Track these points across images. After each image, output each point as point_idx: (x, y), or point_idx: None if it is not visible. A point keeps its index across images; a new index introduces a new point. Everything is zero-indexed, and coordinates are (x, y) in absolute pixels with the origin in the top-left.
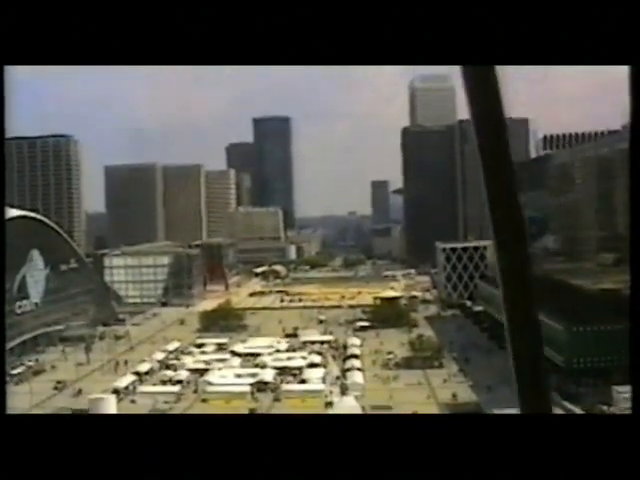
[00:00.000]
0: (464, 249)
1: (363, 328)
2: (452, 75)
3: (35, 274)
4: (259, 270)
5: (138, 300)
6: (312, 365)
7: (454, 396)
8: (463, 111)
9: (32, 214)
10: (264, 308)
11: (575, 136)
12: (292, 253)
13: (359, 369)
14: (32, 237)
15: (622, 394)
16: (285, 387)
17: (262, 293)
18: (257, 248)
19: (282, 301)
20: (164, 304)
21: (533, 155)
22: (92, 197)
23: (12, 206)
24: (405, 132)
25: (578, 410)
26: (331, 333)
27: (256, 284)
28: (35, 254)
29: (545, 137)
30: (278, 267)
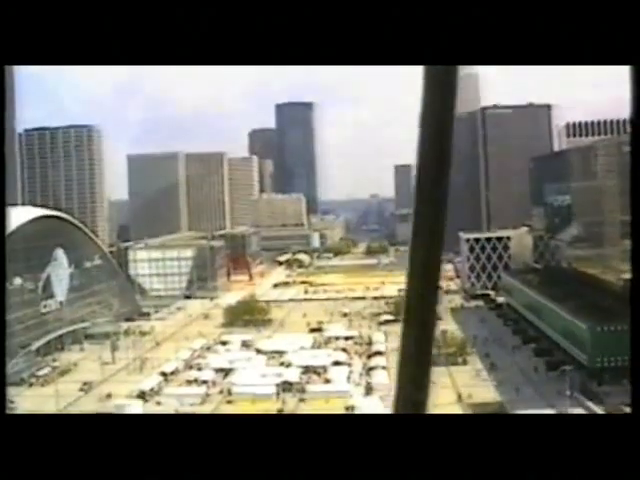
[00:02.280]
0: (487, 239)
1: (387, 322)
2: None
3: (60, 273)
4: (283, 259)
5: (162, 293)
6: (336, 363)
7: (469, 396)
8: (485, 97)
9: (55, 213)
10: (288, 300)
11: (598, 123)
12: (315, 240)
13: (384, 367)
14: (56, 236)
15: None
16: (310, 388)
17: (286, 284)
18: (280, 236)
19: (306, 292)
20: (188, 297)
21: (556, 142)
22: (116, 185)
23: (35, 205)
24: None
25: (600, 411)
26: (359, 326)
27: (280, 274)
28: (59, 253)
29: (568, 124)
30: (302, 256)
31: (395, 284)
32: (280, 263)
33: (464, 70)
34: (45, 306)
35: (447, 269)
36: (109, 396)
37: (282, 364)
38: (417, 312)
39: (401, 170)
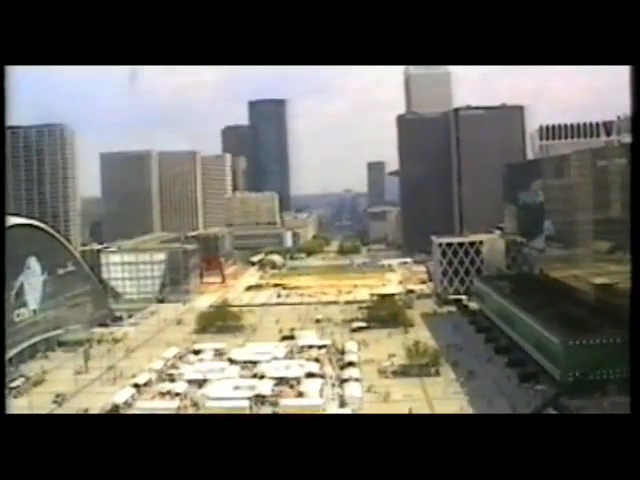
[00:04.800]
0: (460, 244)
1: (360, 328)
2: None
3: (32, 281)
4: (255, 259)
5: (135, 296)
6: (310, 375)
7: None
8: (458, 97)
9: (28, 221)
10: (261, 305)
11: (571, 127)
12: (288, 239)
13: (357, 379)
14: (29, 244)
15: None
16: (283, 402)
17: (259, 287)
18: (253, 234)
19: (279, 296)
20: (161, 301)
21: (529, 144)
22: (88, 182)
23: (9, 213)
24: (400, 119)
25: None
26: (331, 334)
27: (253, 275)
28: (32, 261)
29: (541, 127)
30: (274, 256)
31: (367, 287)
32: (253, 263)
33: (436, 70)
34: (18, 315)
35: (419, 270)
36: (86, 411)
37: (255, 375)
38: None
39: (374, 167)
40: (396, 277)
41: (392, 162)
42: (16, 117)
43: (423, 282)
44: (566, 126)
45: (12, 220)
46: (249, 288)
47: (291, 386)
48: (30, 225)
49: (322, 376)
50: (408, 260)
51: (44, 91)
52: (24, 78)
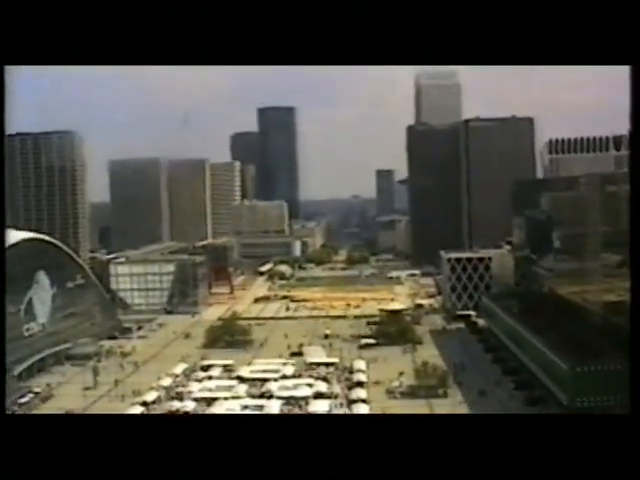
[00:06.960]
0: (469, 259)
1: (368, 345)
2: (458, 71)
3: (42, 295)
4: (264, 269)
5: (144, 307)
6: (318, 395)
7: None
8: (468, 108)
9: (37, 235)
10: (269, 318)
11: (581, 141)
12: (297, 248)
13: (364, 401)
14: (38, 259)
15: None
16: None
17: (267, 299)
18: (262, 243)
19: (287, 309)
20: (169, 312)
21: (538, 158)
22: (98, 188)
23: (18, 228)
24: (410, 130)
25: None
26: (340, 350)
27: (261, 286)
28: (41, 275)
29: (550, 141)
30: (283, 267)
31: (375, 300)
32: (261, 273)
33: (447, 80)
34: (27, 329)
35: (428, 284)
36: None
37: (263, 394)
38: None
39: (383, 175)
40: (404, 290)
41: (401, 170)
42: (25, 123)
43: (431, 296)
44: (575, 140)
45: (21, 235)
46: (257, 300)
47: (299, 406)
48: (39, 239)
49: (330, 396)
50: (416, 272)
51: (51, 97)
52: (33, 82)
